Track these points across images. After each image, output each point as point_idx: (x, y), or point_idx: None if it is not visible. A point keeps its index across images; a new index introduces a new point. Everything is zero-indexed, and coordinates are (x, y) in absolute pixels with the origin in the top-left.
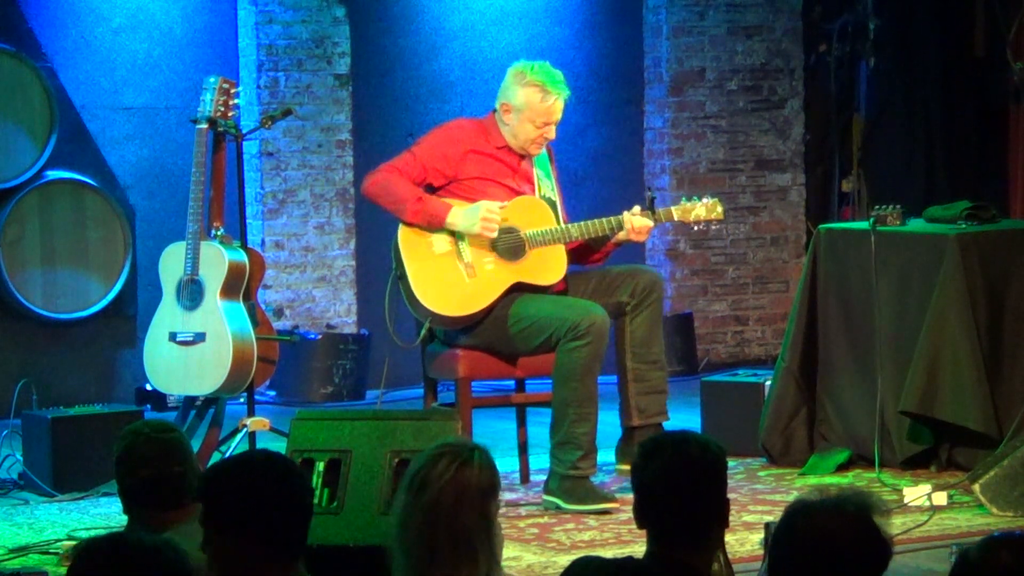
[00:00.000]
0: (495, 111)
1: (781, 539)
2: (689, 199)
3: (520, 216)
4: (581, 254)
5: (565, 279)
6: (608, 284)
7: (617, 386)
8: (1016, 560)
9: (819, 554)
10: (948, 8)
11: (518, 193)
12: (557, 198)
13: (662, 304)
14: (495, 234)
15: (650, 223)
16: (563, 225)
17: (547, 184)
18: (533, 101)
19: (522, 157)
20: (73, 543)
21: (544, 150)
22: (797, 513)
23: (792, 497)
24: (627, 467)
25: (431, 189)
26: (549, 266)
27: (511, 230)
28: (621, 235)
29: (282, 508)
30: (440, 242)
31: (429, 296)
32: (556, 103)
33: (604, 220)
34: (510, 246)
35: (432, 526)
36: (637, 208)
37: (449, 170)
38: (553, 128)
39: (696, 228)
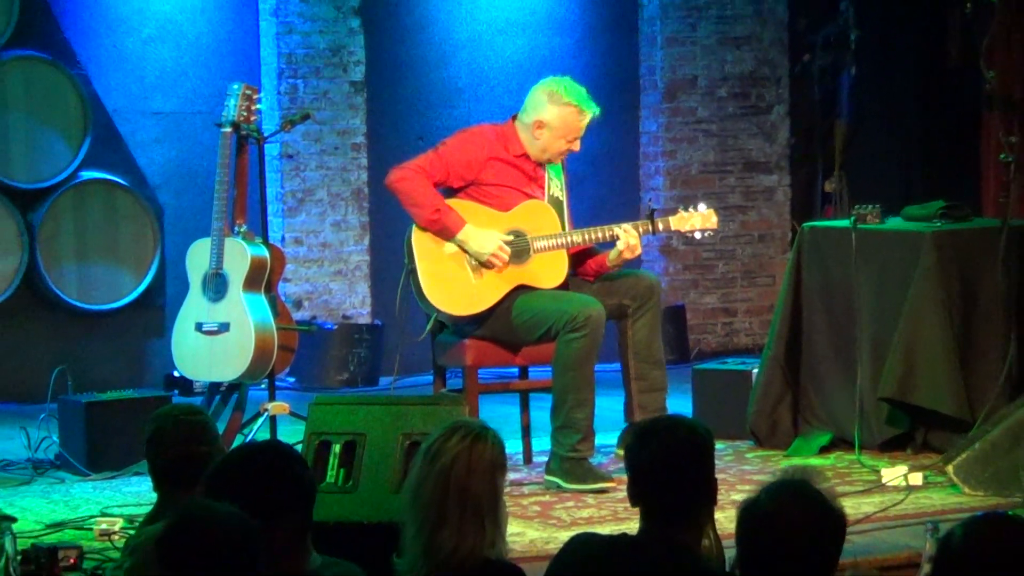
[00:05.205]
0: (515, 119)
1: (742, 538)
2: (686, 209)
3: (528, 221)
4: (578, 261)
5: (567, 282)
6: (609, 287)
7: (622, 382)
8: (998, 538)
9: (776, 537)
10: (925, 21)
11: (532, 198)
12: (564, 198)
13: (661, 307)
14: (499, 265)
15: (635, 241)
16: (567, 230)
17: (556, 184)
18: (569, 121)
19: (538, 164)
20: (107, 519)
21: None
22: (746, 511)
23: (778, 477)
24: None
25: (450, 189)
26: (551, 271)
27: (519, 233)
28: (613, 254)
29: (288, 491)
30: (450, 243)
31: (437, 295)
32: (587, 120)
33: (605, 227)
34: (516, 249)
35: (443, 493)
36: (627, 225)
37: (470, 175)
38: (579, 142)
39: (692, 236)
